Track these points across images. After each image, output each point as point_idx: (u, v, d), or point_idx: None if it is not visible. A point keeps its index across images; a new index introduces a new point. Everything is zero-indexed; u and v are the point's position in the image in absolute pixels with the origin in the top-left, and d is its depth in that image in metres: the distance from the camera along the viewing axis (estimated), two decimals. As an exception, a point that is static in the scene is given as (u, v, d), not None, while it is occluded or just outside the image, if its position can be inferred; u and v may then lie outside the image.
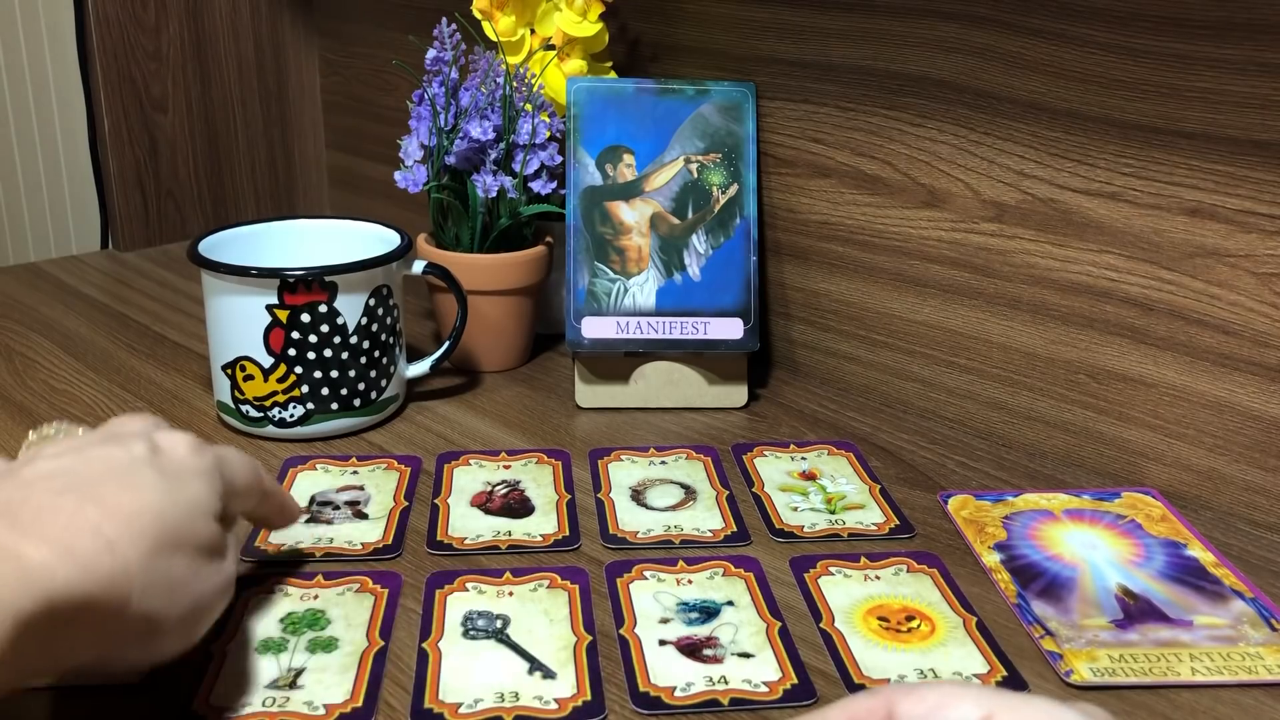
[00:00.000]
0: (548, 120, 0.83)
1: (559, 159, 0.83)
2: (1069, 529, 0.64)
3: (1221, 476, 0.67)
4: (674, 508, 0.67)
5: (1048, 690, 0.51)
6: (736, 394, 0.81)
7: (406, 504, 0.66)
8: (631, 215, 0.80)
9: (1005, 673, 0.52)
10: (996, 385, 0.76)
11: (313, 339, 0.71)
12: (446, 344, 0.79)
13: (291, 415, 0.73)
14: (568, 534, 0.63)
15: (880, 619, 0.56)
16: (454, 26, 0.82)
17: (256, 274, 0.70)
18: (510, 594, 0.57)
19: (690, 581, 0.59)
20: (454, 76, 0.81)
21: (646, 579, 0.59)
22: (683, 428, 0.78)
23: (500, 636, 0.54)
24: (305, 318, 0.71)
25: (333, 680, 0.51)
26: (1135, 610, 0.57)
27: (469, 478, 0.69)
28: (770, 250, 0.86)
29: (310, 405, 0.73)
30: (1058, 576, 0.60)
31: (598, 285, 0.79)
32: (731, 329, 0.79)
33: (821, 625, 0.56)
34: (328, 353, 0.72)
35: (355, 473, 0.70)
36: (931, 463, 0.73)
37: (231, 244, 0.77)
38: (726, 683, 0.51)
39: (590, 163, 0.81)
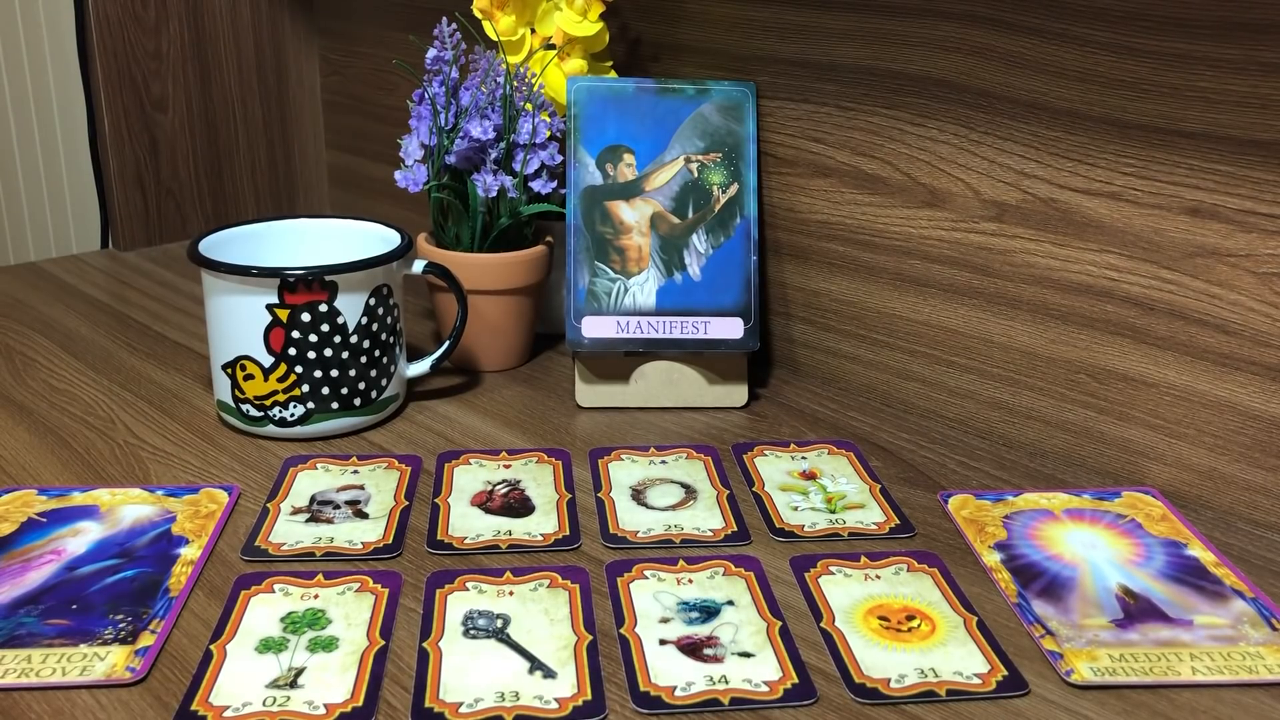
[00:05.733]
0: (548, 120, 0.83)
1: (559, 158, 0.83)
2: (1069, 528, 0.64)
3: (1222, 476, 0.67)
4: (674, 507, 0.67)
5: (1048, 689, 0.51)
6: (736, 393, 0.81)
7: (407, 503, 0.66)
8: (632, 215, 0.80)
9: (1005, 672, 0.52)
10: (996, 385, 0.76)
11: (313, 338, 0.71)
12: (447, 343, 0.79)
13: (292, 415, 0.73)
14: (568, 533, 0.63)
15: (881, 618, 0.56)
16: (454, 26, 0.82)
17: (257, 273, 0.70)
18: (510, 593, 0.57)
19: (690, 581, 0.59)
20: (454, 76, 0.81)
21: (647, 578, 0.59)
22: (683, 427, 0.78)
23: (500, 636, 0.54)
24: (305, 317, 0.71)
25: (333, 680, 0.51)
26: (1135, 610, 0.57)
27: (469, 477, 0.69)
28: (770, 250, 0.86)
29: (310, 404, 0.73)
30: (1058, 576, 0.60)
31: (598, 285, 0.79)
32: (731, 328, 0.79)
33: (822, 625, 0.56)
34: (328, 352, 0.72)
35: (356, 472, 0.70)
36: (932, 462, 0.73)
37: (232, 243, 0.77)
38: (727, 682, 0.51)
39: (590, 162, 0.81)
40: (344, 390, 0.73)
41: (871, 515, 0.66)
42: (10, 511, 0.64)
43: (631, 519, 0.65)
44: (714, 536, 0.63)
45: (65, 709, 0.49)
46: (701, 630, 0.55)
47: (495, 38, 0.85)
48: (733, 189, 0.81)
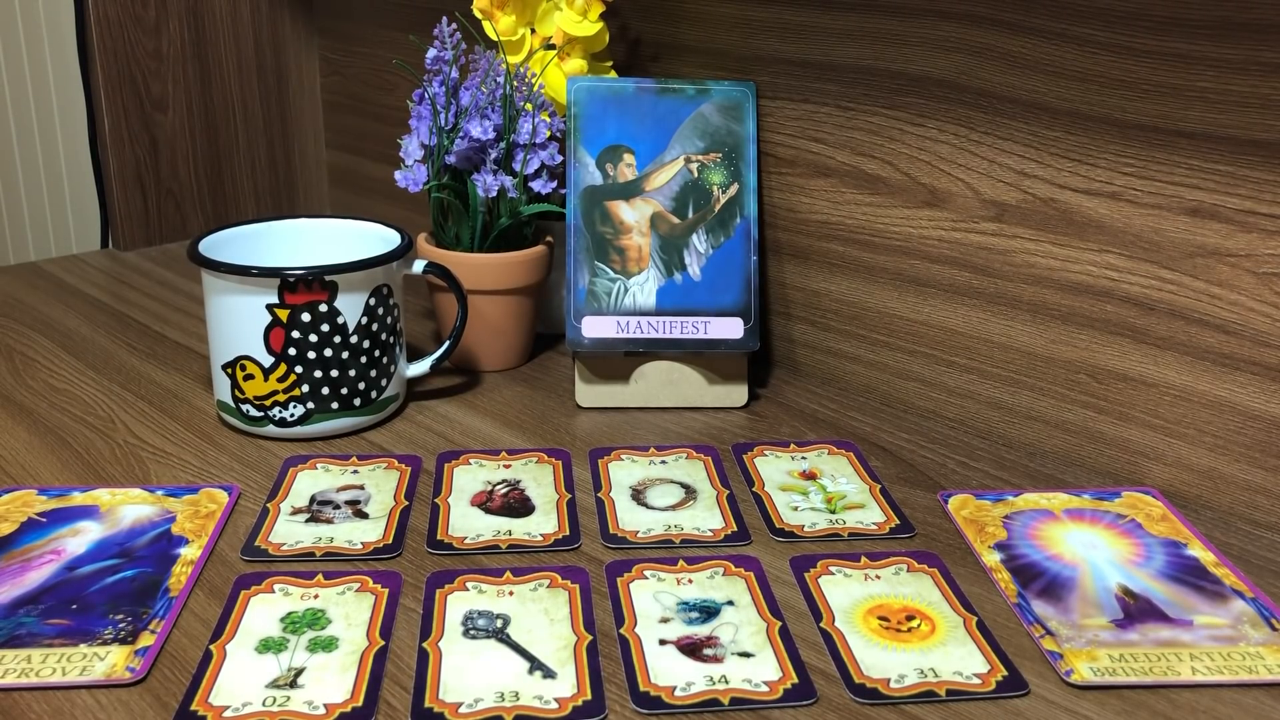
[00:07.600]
0: (548, 120, 0.83)
1: (559, 158, 0.83)
2: (1069, 529, 0.64)
3: (1222, 476, 0.67)
4: (674, 507, 0.67)
5: (1048, 690, 0.51)
6: (736, 393, 0.81)
7: (407, 503, 0.66)
8: (632, 215, 0.80)
9: (1005, 672, 0.52)
10: (996, 385, 0.76)
11: (313, 338, 0.71)
12: (447, 343, 0.79)
13: (292, 415, 0.73)
14: (568, 533, 0.63)
15: (880, 618, 0.56)
16: (454, 26, 0.82)
17: (257, 273, 0.70)
18: (510, 593, 0.57)
19: (690, 581, 0.59)
20: (454, 76, 0.81)
21: (647, 578, 0.59)
22: (683, 427, 0.78)
23: (500, 636, 0.54)
24: (305, 317, 0.71)
25: (333, 680, 0.51)
26: (1135, 610, 0.57)
27: (469, 477, 0.69)
28: (770, 250, 0.86)
29: (310, 404, 0.73)
30: (1058, 576, 0.60)
31: (598, 285, 0.79)
32: (731, 328, 0.79)
33: (822, 625, 0.56)
34: (328, 352, 0.72)
35: (355, 472, 0.70)
36: (932, 462, 0.73)
37: (232, 243, 0.77)
38: (727, 682, 0.51)
39: (590, 162, 0.81)
40: (344, 390, 0.73)
41: (871, 515, 0.66)
42: (10, 511, 0.64)
43: (631, 519, 0.65)
44: (714, 536, 0.63)
45: (65, 709, 0.49)
46: (701, 630, 0.55)
47: (495, 38, 0.85)
48: (733, 189, 0.81)
